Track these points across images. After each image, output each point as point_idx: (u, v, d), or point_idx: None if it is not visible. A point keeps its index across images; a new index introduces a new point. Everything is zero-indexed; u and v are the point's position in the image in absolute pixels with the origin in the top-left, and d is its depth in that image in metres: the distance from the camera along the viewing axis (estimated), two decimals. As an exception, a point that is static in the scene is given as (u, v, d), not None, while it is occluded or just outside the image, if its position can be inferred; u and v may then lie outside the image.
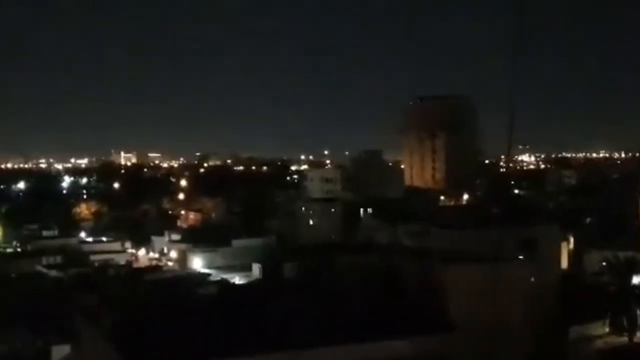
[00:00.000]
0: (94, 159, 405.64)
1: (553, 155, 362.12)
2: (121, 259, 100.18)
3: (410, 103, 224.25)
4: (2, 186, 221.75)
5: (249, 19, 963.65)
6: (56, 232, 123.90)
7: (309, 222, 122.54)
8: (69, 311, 44.25)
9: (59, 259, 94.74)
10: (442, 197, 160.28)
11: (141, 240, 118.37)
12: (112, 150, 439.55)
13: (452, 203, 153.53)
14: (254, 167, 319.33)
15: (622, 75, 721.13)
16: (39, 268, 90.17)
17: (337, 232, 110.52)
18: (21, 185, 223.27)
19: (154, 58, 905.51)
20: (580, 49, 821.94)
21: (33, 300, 59.68)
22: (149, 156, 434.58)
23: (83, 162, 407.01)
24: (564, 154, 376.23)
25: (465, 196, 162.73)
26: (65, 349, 43.94)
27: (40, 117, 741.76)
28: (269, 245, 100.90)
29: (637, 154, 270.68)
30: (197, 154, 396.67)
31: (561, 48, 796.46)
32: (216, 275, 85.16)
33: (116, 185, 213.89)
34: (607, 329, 60.35)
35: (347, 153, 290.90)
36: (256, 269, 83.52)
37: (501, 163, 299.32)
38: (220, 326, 33.73)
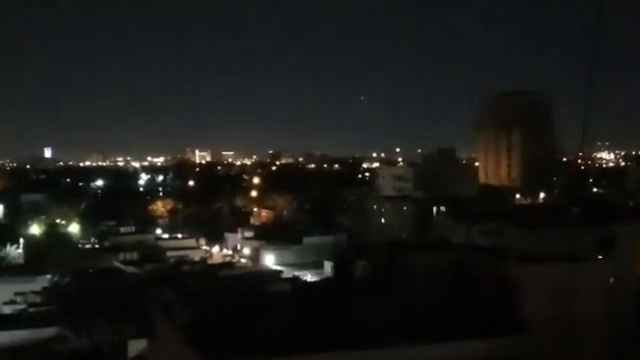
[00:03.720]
0: (169, 157, 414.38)
1: (633, 153, 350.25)
2: (196, 255, 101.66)
3: (485, 99, 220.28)
4: (81, 183, 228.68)
5: (319, 17, 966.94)
6: (133, 228, 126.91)
7: (380, 220, 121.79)
8: (146, 306, 45.06)
9: (135, 255, 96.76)
10: (517, 196, 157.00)
11: (215, 237, 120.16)
12: (188, 149, 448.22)
13: (529, 202, 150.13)
14: (325, 165, 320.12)
15: None
16: (116, 264, 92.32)
17: (409, 231, 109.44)
18: (99, 182, 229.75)
19: (226, 57, 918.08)
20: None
21: (111, 295, 61.13)
22: (222, 154, 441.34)
23: (159, 160, 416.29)
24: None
25: (542, 195, 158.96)
26: (142, 343, 44.77)
27: (119, 116, 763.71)
28: (340, 243, 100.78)
29: None
30: (270, 151, 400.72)
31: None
32: (288, 273, 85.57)
33: (191, 182, 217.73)
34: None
35: (419, 151, 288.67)
36: (328, 266, 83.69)
37: (579, 161, 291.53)
38: (292, 324, 33.75)
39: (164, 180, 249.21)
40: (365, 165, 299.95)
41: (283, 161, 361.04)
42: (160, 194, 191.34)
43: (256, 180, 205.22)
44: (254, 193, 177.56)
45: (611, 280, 43.71)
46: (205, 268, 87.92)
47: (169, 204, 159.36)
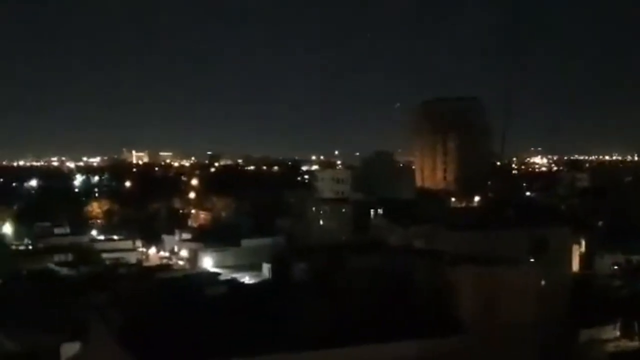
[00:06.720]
0: (105, 158, 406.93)
1: (565, 158, 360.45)
2: (132, 258, 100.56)
3: (422, 104, 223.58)
4: (14, 184, 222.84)
5: (253, 19, 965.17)
6: (68, 230, 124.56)
7: (319, 222, 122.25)
8: (80, 309, 44.35)
9: (70, 257, 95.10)
10: (453, 199, 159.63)
11: (152, 239, 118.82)
12: (124, 149, 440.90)
13: (464, 205, 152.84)
14: (265, 167, 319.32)
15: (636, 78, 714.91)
16: (51, 266, 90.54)
17: (348, 233, 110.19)
18: (33, 182, 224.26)
19: (164, 58, 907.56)
20: (593, 51, 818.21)
21: (44, 297, 59.89)
22: (160, 155, 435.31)
23: (95, 160, 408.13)
24: (576, 156, 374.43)
25: (477, 198, 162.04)
26: (75, 346, 44.04)
27: (53, 115, 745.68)
28: (279, 245, 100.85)
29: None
30: (209, 153, 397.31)
31: (573, 51, 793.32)
32: (226, 275, 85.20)
33: (127, 184, 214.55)
34: (618, 333, 60.03)
35: (358, 154, 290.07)
36: (266, 269, 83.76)
37: (513, 165, 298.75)
38: (229, 326, 33.76)
39: (99, 181, 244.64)
40: (304, 168, 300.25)
41: (222, 163, 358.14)
42: (96, 195, 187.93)
43: (194, 181, 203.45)
44: (192, 195, 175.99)
45: (543, 282, 45.00)
46: (142, 270, 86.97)
47: (105, 205, 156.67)
